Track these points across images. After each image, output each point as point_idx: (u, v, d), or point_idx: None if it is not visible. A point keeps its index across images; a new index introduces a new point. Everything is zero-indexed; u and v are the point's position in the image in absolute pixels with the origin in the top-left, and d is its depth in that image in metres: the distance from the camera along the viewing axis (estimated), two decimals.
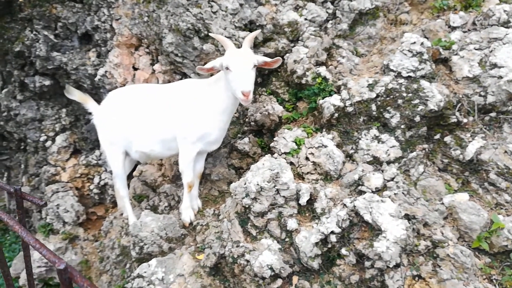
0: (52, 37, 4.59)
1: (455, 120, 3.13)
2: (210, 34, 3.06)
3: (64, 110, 5.35)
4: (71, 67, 4.64)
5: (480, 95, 3.18)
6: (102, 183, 5.02)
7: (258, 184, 2.99)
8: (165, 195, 3.87)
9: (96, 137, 5.38)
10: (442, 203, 2.90)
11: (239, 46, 3.70)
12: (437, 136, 3.22)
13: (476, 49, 3.30)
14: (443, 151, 3.18)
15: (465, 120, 3.16)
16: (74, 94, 3.90)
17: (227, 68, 2.90)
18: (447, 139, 3.17)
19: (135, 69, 4.28)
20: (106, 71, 4.34)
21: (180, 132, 3.28)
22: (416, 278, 2.72)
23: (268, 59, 3.07)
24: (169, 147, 3.40)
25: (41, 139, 5.32)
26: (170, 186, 3.95)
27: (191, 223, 3.46)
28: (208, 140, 3.29)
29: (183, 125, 3.25)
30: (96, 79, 4.46)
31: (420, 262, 2.74)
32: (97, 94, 4.87)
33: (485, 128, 3.16)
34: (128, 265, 3.71)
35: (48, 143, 5.30)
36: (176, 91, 3.36)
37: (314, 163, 3.15)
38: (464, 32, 3.49)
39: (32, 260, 4.64)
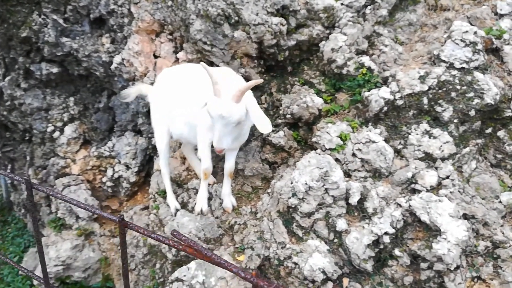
0: (61, 21, 4.26)
1: (510, 114, 3.00)
2: (201, 63, 2.71)
3: (72, 98, 5.06)
4: (83, 53, 4.34)
5: None
6: (116, 175, 4.79)
7: (306, 184, 2.83)
8: (194, 191, 3.68)
9: (106, 127, 5.15)
10: (500, 201, 2.79)
11: (272, 33, 3.46)
12: (489, 130, 3.09)
13: None
14: (496, 146, 3.06)
15: None
16: (132, 93, 3.67)
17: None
18: (500, 133, 3.05)
19: (155, 57, 4.01)
20: (123, 59, 4.05)
21: (197, 116, 3.12)
22: (475, 280, 2.64)
23: (256, 116, 2.73)
24: (194, 134, 3.26)
25: (48, 129, 5.03)
26: (199, 182, 3.75)
27: (201, 212, 3.32)
28: None
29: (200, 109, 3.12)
30: (112, 67, 4.17)
31: (480, 263, 2.65)
32: (110, 82, 4.58)
33: None
34: (158, 265, 3.55)
35: (56, 133, 5.02)
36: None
37: (362, 159, 3.00)
38: None
39: (48, 259, 4.43)
